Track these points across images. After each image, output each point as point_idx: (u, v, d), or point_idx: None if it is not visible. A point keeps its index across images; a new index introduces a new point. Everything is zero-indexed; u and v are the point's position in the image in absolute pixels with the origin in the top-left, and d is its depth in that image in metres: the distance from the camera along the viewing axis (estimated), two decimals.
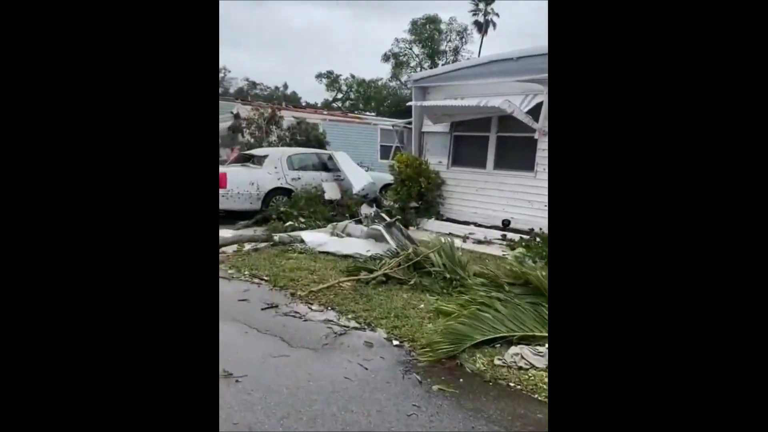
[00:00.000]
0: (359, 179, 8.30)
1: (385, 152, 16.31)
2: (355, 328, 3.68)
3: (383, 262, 4.99)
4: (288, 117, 14.11)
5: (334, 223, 7.09)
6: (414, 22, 36.21)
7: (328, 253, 5.95)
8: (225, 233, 7.00)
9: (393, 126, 15.08)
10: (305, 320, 3.81)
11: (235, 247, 5.99)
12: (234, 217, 7.83)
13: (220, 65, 41.27)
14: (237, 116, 14.35)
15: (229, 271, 5.12)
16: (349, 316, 3.91)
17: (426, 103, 7.79)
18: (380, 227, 5.82)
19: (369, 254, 5.68)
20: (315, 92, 53.59)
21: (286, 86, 43.22)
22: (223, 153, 14.07)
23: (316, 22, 53.43)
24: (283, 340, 3.40)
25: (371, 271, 4.87)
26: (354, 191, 8.15)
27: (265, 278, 4.89)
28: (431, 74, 8.42)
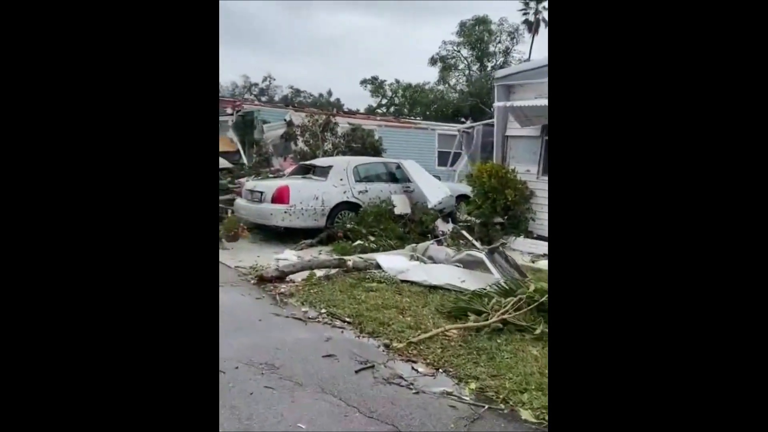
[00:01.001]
0: (435, 191, 7.30)
1: (443, 158, 15.30)
2: (490, 408, 2.67)
3: (493, 301, 3.96)
4: (342, 123, 13.37)
5: (413, 245, 6.13)
6: (462, 24, 34.98)
7: (412, 282, 4.99)
8: (289, 255, 6.19)
9: (459, 130, 14.02)
10: (416, 392, 2.84)
11: (305, 274, 5.14)
12: (296, 236, 7.03)
13: (265, 74, 41.83)
14: (290, 123, 13.74)
15: (303, 309, 4.25)
16: (473, 386, 2.91)
17: (518, 103, 6.72)
18: (482, 255, 4.79)
19: (463, 284, 4.68)
20: (359, 98, 53.40)
21: (330, 93, 43.18)
22: (276, 162, 13.49)
23: (358, 29, 53.49)
24: (399, 431, 2.44)
25: (479, 313, 3.86)
26: (430, 205, 7.16)
27: (347, 320, 3.97)
28: (518, 70, 7.35)
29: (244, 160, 13.66)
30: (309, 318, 4.03)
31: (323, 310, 4.19)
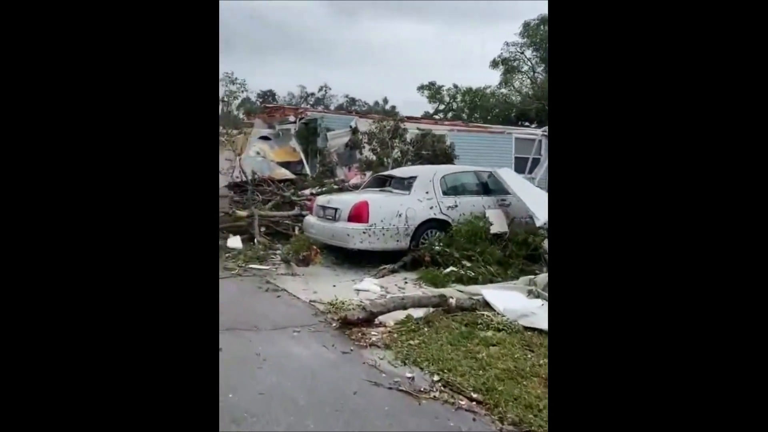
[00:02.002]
0: (544, 205, 6.01)
1: (519, 165, 13.89)
2: None
3: None
4: (411, 129, 12.33)
5: (530, 277, 4.89)
6: (526, 24, 33.18)
7: (541, 331, 3.77)
8: (370, 285, 5.15)
9: (543, 132, 12.60)
10: None
11: (397, 314, 4.06)
12: (373, 258, 6.00)
13: (321, 83, 42.22)
14: (355, 131, 12.89)
15: (407, 373, 3.14)
16: None
17: None
18: None
19: None
20: (415, 105, 52.80)
21: (386, 100, 42.71)
22: (341, 172, 12.67)
23: (409, 37, 53.03)
24: None
25: None
26: (539, 222, 5.88)
27: (475, 396, 2.82)
28: None
29: (307, 170, 12.96)
30: (420, 391, 2.92)
31: (436, 378, 3.06)
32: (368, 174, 12.06)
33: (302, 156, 12.95)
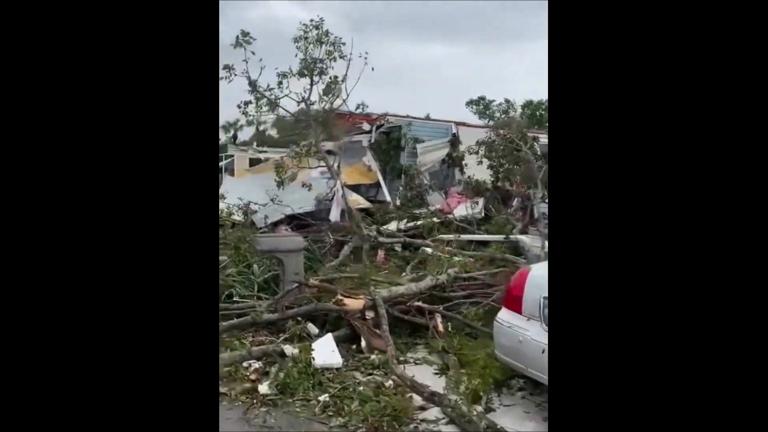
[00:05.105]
0: None
1: None
2: None
3: None
4: (542, 139, 8.67)
5: None
6: None
7: None
8: None
9: None
10: None
11: None
12: None
13: (359, 101, 39.87)
14: (456, 141, 9.33)
15: None
16: None
17: None
18: None
19: None
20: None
21: (428, 118, 39.87)
22: (435, 199, 9.05)
23: (442, 58, 50.86)
24: None
25: None
26: None
27: None
28: None
29: (386, 195, 9.39)
30: None
31: None
32: (480, 201, 8.37)
33: (380, 177, 9.42)
